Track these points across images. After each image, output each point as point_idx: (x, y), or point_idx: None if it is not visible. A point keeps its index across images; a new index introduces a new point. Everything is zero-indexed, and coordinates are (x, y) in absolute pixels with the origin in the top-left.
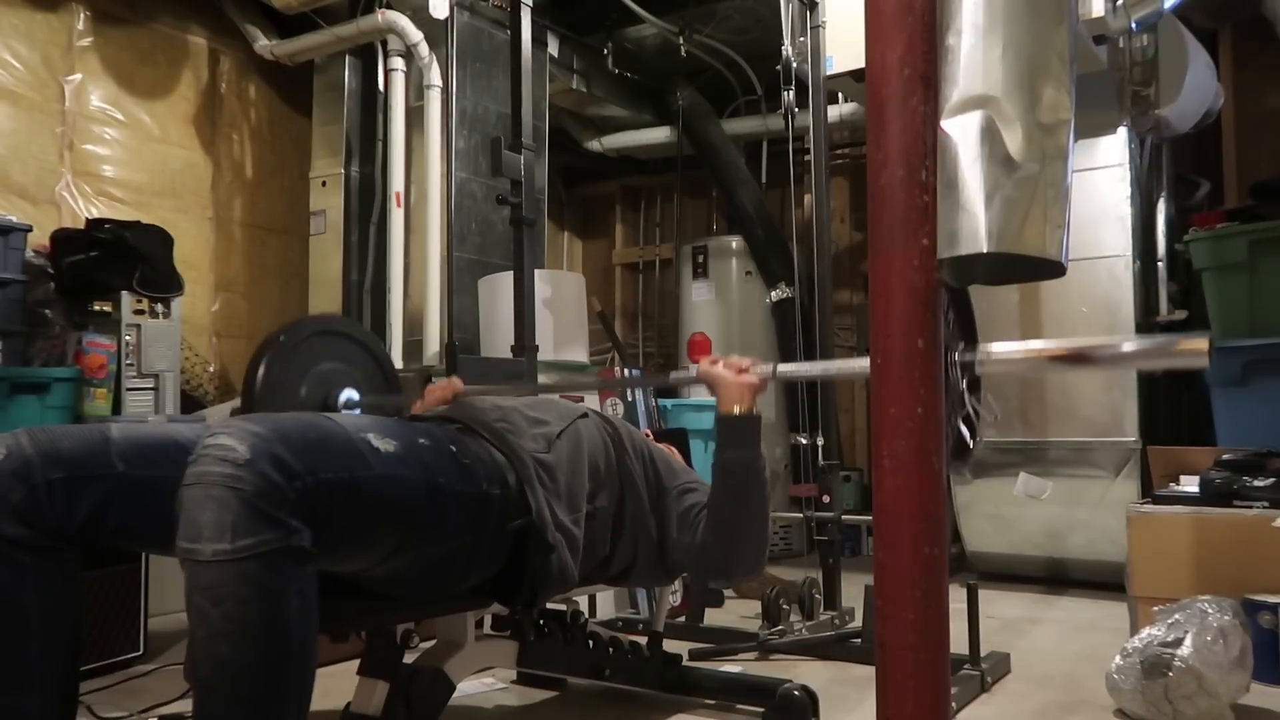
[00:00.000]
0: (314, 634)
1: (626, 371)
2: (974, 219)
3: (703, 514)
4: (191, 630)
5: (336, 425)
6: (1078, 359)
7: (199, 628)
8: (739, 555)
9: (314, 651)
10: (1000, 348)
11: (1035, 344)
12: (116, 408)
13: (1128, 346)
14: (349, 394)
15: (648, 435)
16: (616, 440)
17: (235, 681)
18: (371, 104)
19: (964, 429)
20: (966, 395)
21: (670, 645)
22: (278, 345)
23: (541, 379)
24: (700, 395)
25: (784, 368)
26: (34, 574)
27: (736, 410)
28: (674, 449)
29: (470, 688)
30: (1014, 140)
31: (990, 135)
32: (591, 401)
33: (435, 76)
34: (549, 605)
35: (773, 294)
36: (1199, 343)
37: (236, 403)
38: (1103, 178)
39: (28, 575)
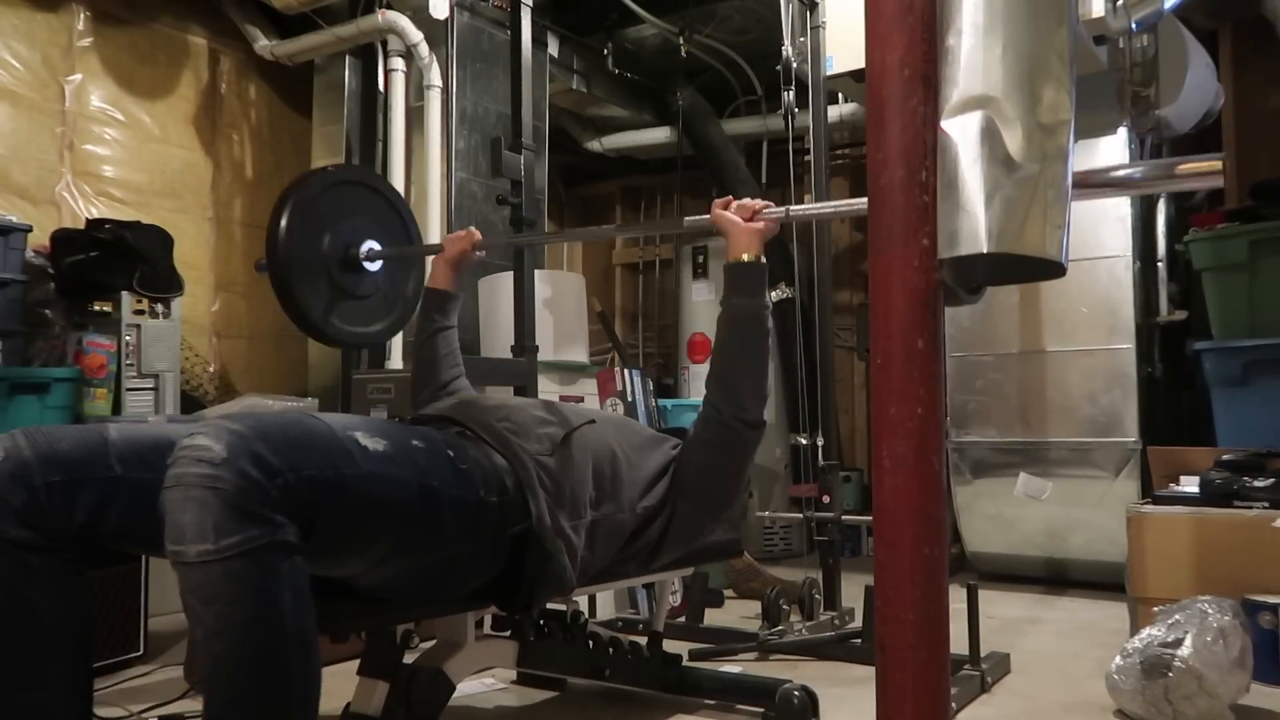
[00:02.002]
0: (311, 623)
1: (627, 372)
2: (974, 219)
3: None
4: (190, 630)
5: (321, 423)
6: (1085, 185)
7: (195, 628)
8: (741, 401)
9: (314, 641)
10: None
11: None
12: (116, 408)
13: (1139, 170)
14: (370, 244)
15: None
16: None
17: (235, 678)
18: (371, 104)
19: None
20: None
21: (670, 645)
22: (298, 195)
23: (542, 380)
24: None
25: (796, 209)
26: (42, 573)
27: (745, 257)
28: None
29: (470, 688)
30: (1014, 140)
31: (990, 135)
32: (591, 402)
33: (435, 77)
34: (549, 605)
35: (773, 294)
36: (1211, 164)
37: (238, 403)
38: None
39: (36, 575)
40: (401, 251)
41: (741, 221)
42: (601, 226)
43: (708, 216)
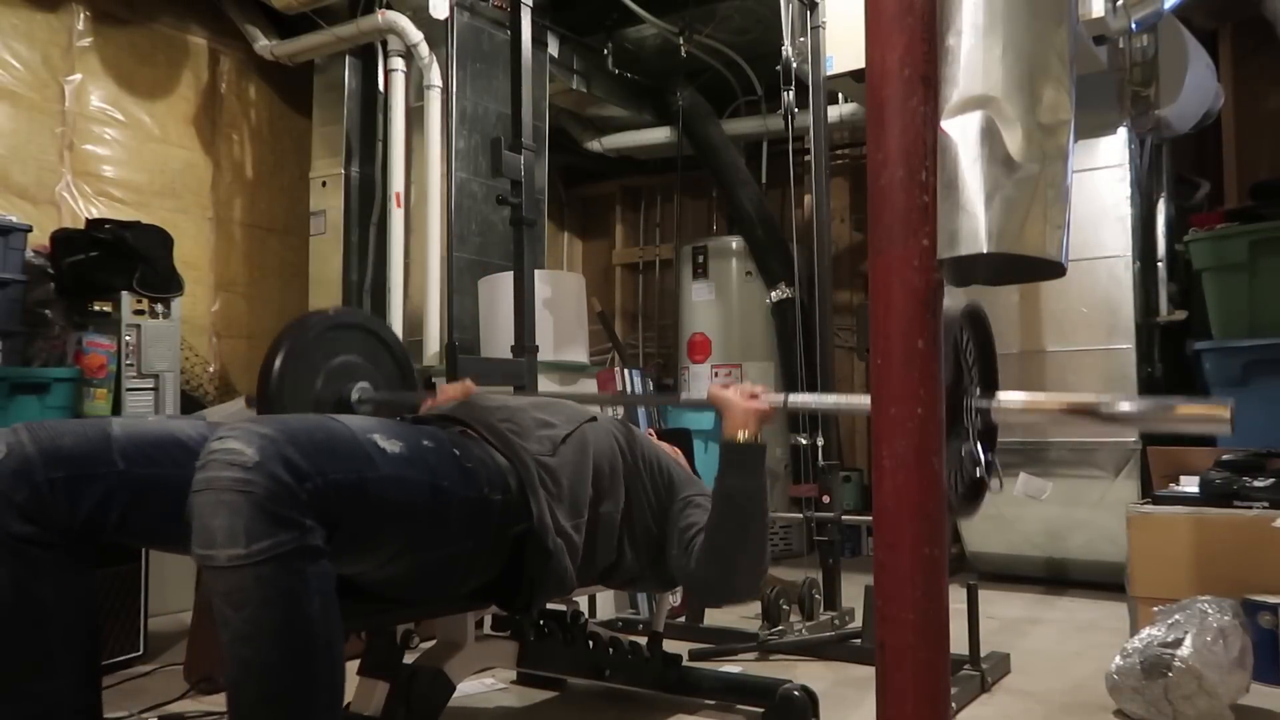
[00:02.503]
0: (338, 628)
1: (627, 372)
2: (974, 219)
3: (698, 537)
4: (218, 633)
5: (343, 426)
6: (1091, 414)
7: (223, 631)
8: (736, 582)
9: (340, 645)
10: (1015, 397)
11: (1051, 396)
12: (116, 408)
13: (1142, 406)
14: (363, 388)
15: (650, 434)
16: (626, 445)
17: (263, 682)
18: (371, 104)
19: (980, 472)
20: (981, 442)
21: (670, 645)
22: (294, 338)
23: (542, 380)
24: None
25: (795, 398)
26: (48, 567)
27: (741, 437)
28: (678, 450)
29: (470, 688)
30: (1014, 140)
31: (990, 135)
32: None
33: (435, 77)
34: (549, 606)
35: (773, 294)
36: (1220, 410)
37: (238, 403)
38: (1103, 178)
39: (42, 569)
40: (394, 397)
41: (738, 400)
42: (597, 394)
43: (703, 398)
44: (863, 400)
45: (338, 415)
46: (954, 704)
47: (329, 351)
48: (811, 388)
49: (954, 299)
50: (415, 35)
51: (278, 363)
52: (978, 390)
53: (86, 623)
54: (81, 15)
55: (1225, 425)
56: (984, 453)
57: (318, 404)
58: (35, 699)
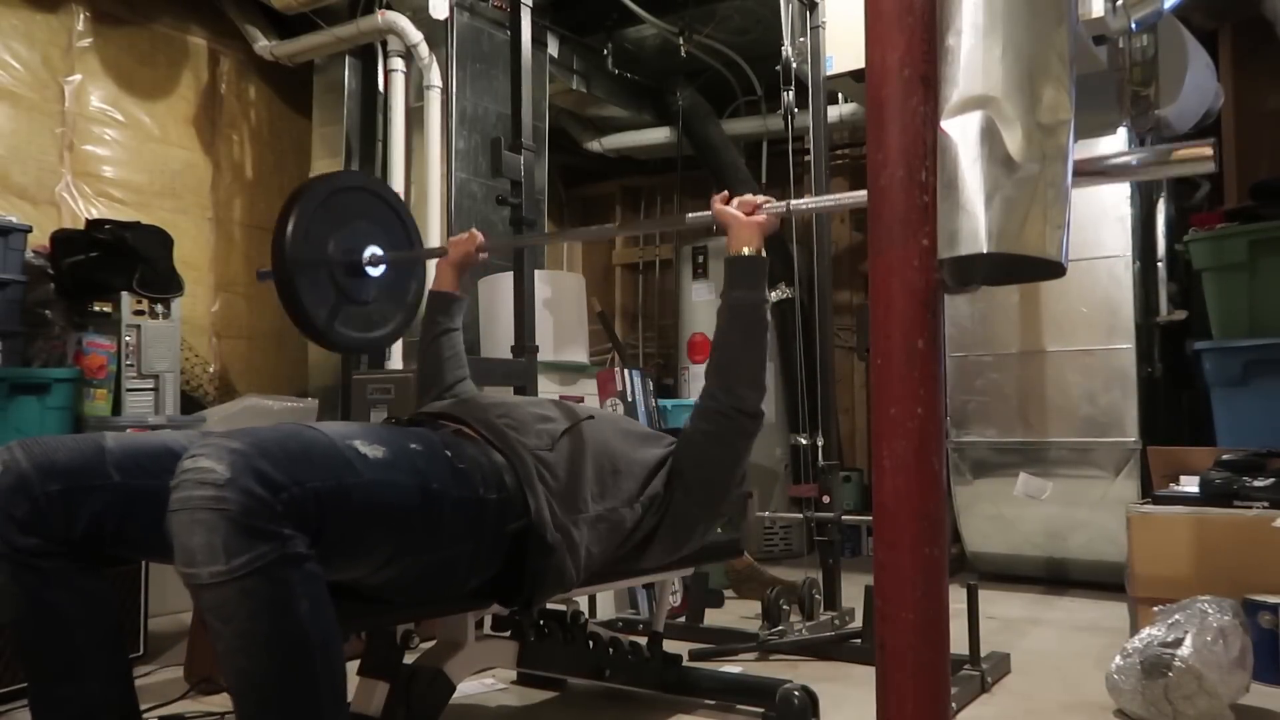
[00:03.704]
0: (332, 626)
1: (627, 372)
2: (974, 219)
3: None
4: (213, 645)
5: (320, 434)
6: (1080, 172)
7: (216, 643)
8: (738, 392)
9: (336, 643)
10: None
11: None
12: (116, 408)
13: (1134, 157)
14: (374, 249)
15: None
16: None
17: (261, 690)
18: (371, 104)
19: None
20: None
21: (670, 645)
22: (303, 203)
23: (542, 380)
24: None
25: (797, 202)
26: (58, 575)
27: (746, 250)
28: None
29: (470, 688)
30: (1014, 140)
31: (990, 135)
32: (591, 401)
33: (435, 77)
34: (549, 605)
35: (773, 294)
36: (1203, 149)
37: (238, 403)
38: None
39: (53, 577)
40: (405, 256)
41: (742, 216)
42: (603, 226)
43: (708, 213)
44: (859, 195)
45: (316, 424)
46: (954, 704)
47: (338, 214)
48: (811, 387)
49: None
50: (415, 35)
51: (289, 228)
52: None
53: (107, 623)
54: (81, 15)
55: (1210, 163)
56: None
57: (329, 267)
58: (70, 702)
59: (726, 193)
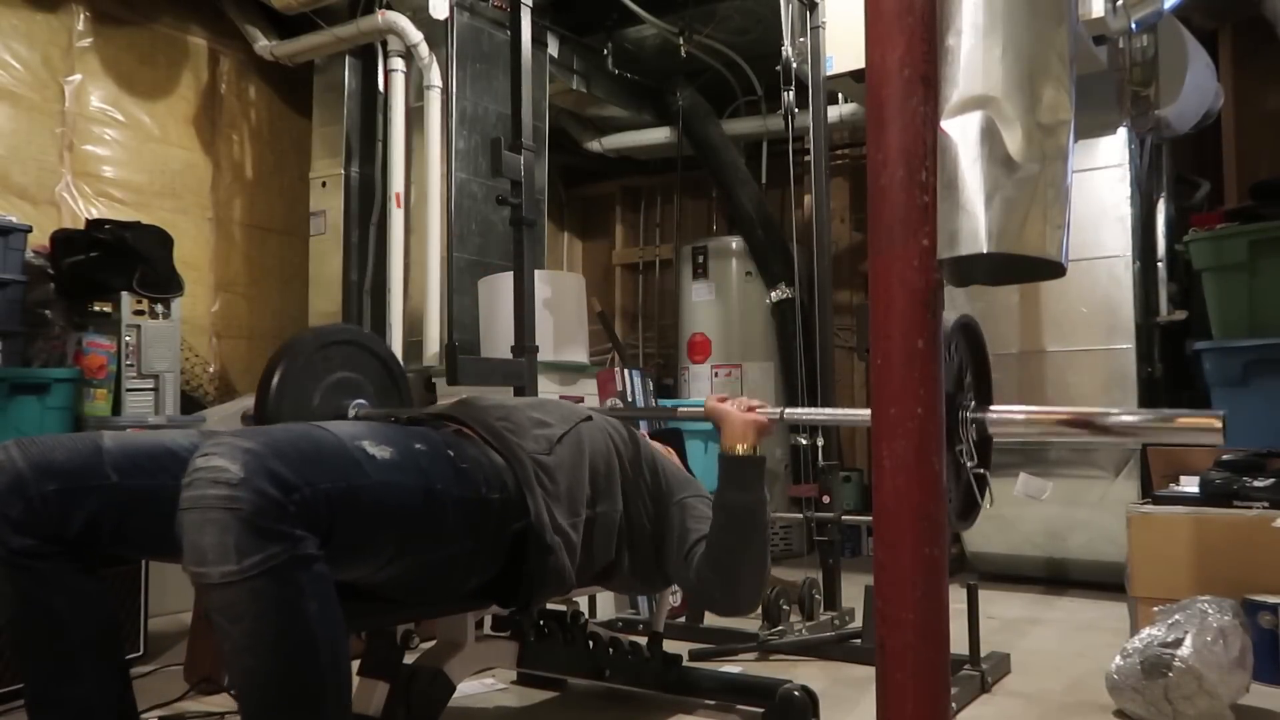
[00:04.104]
0: (339, 627)
1: (627, 372)
2: (974, 219)
3: (698, 547)
4: (218, 644)
5: (330, 434)
6: (1085, 426)
7: (224, 643)
8: (737, 594)
9: (343, 643)
10: (1009, 410)
11: (1046, 411)
12: (116, 408)
13: (1136, 418)
14: (360, 404)
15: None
16: (622, 445)
17: (269, 690)
18: (371, 104)
19: (974, 485)
20: (975, 453)
21: (670, 646)
22: (290, 356)
23: (542, 380)
24: (700, 397)
25: (792, 412)
26: (53, 576)
27: (740, 450)
28: (671, 450)
29: (470, 688)
30: (1014, 140)
31: (990, 136)
32: (591, 401)
33: (435, 77)
34: (549, 606)
35: (773, 294)
36: (1211, 420)
37: (238, 403)
38: (1103, 178)
39: (48, 579)
40: (391, 413)
41: (736, 413)
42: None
43: (700, 409)
44: (862, 414)
45: (325, 423)
46: (954, 704)
47: (325, 369)
48: (811, 388)
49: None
50: (415, 35)
51: (274, 383)
52: (972, 402)
53: (103, 625)
54: (81, 15)
55: (1218, 435)
56: (978, 466)
57: (315, 420)
58: (66, 703)
59: (725, 395)
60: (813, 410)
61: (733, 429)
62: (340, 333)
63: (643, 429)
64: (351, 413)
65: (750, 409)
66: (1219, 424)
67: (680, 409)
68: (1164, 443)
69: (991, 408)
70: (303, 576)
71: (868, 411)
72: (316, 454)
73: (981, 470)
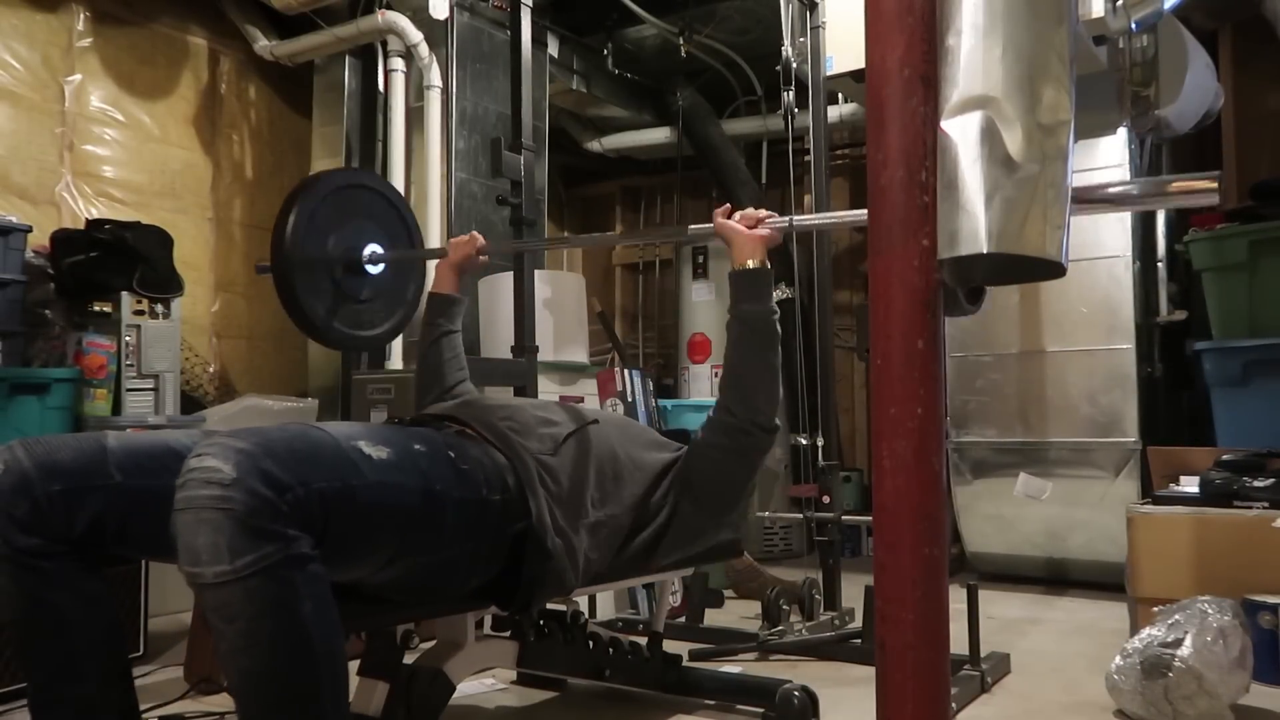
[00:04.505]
0: (335, 627)
1: (627, 372)
2: (974, 219)
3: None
4: (214, 644)
5: (326, 434)
6: (1084, 201)
7: (219, 643)
8: (754, 402)
9: (339, 643)
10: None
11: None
12: (116, 408)
13: (1134, 187)
14: (374, 247)
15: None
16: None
17: (265, 690)
18: (371, 104)
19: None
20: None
21: (670, 646)
22: (305, 198)
23: (542, 380)
24: (700, 397)
25: (800, 219)
26: (58, 576)
27: (751, 264)
28: None
29: (470, 688)
30: (1014, 141)
31: (990, 136)
32: (591, 402)
33: (435, 77)
34: (549, 606)
35: (775, 292)
36: (1207, 182)
37: (238, 403)
38: (1103, 178)
39: (52, 578)
40: (405, 255)
41: (745, 229)
42: (605, 234)
43: (710, 225)
44: (859, 214)
45: (322, 424)
46: (954, 704)
47: (339, 211)
48: (811, 387)
49: None
50: (415, 35)
51: (290, 223)
52: None
53: (106, 625)
54: (81, 15)
55: (1213, 195)
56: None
57: (328, 264)
58: (69, 703)
59: (728, 206)
60: (817, 216)
61: (743, 245)
62: (353, 176)
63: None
64: (366, 251)
65: (758, 221)
66: (1214, 184)
67: (690, 228)
68: (1160, 206)
69: None
70: (297, 576)
71: (863, 212)
72: (311, 454)
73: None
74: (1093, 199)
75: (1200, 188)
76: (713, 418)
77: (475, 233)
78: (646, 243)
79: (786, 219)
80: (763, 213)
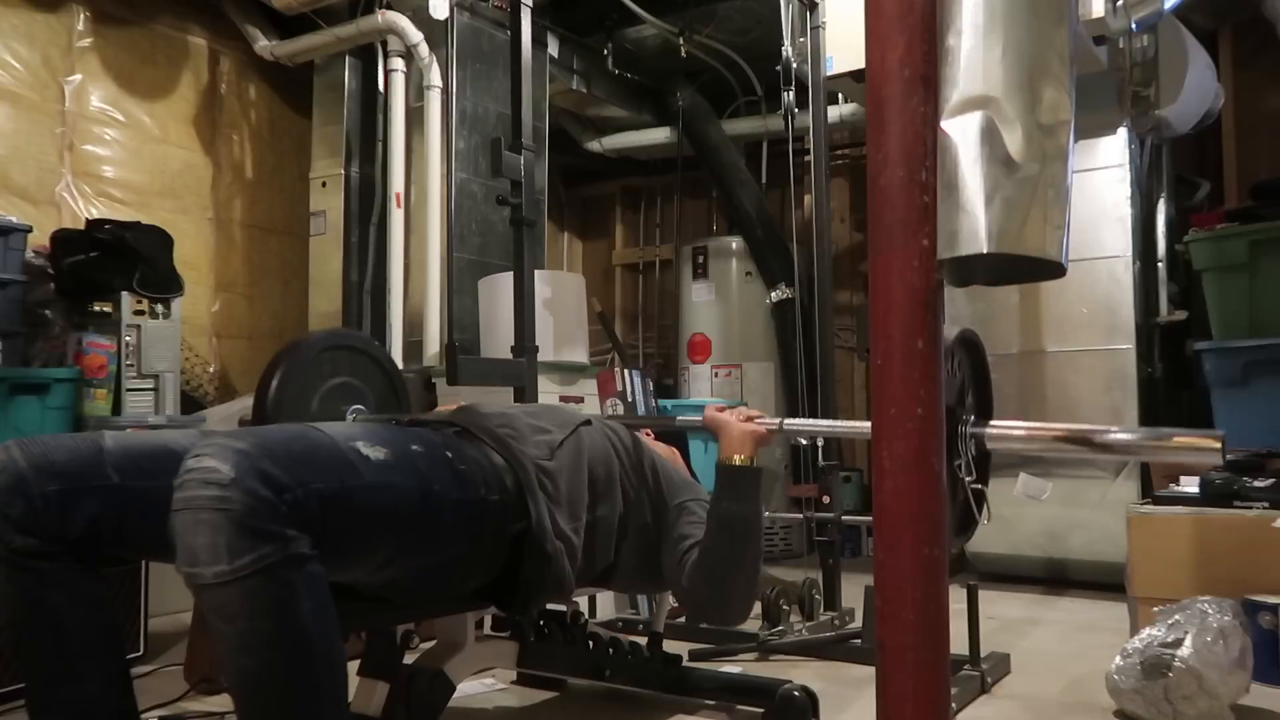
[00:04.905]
0: (334, 627)
1: (627, 372)
2: (974, 219)
3: (692, 553)
4: (215, 644)
5: (324, 435)
6: (1083, 443)
7: (219, 643)
8: (728, 603)
9: (338, 643)
10: (1009, 426)
11: (1045, 426)
12: (116, 408)
13: (1134, 437)
14: (358, 410)
15: (648, 435)
16: (622, 448)
17: (265, 690)
18: (371, 104)
19: (971, 500)
20: (974, 469)
21: (670, 645)
22: (290, 360)
23: (542, 380)
24: (700, 397)
25: (790, 423)
26: (55, 576)
27: (737, 460)
28: (675, 451)
29: (470, 688)
30: (1014, 141)
31: (990, 136)
32: (591, 402)
33: (435, 77)
34: (549, 606)
35: (773, 294)
36: (1210, 441)
37: (238, 403)
38: (1103, 178)
39: (49, 579)
40: (390, 416)
41: (734, 422)
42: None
43: (698, 419)
44: (862, 425)
45: (320, 424)
46: (954, 704)
47: (324, 374)
48: (811, 387)
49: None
50: (415, 35)
51: (273, 386)
52: (972, 417)
53: (104, 626)
54: (81, 15)
55: (1216, 455)
56: (976, 482)
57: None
58: (67, 704)
59: (722, 403)
60: (812, 421)
61: (730, 439)
62: (345, 338)
63: (645, 430)
64: (349, 418)
65: (749, 419)
66: (1217, 444)
67: (678, 419)
68: (1162, 460)
69: (991, 423)
70: (296, 576)
71: (868, 424)
72: (309, 454)
73: (979, 486)
74: (1092, 443)
75: (1203, 446)
76: (686, 584)
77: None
78: (633, 423)
79: (778, 421)
80: (754, 412)
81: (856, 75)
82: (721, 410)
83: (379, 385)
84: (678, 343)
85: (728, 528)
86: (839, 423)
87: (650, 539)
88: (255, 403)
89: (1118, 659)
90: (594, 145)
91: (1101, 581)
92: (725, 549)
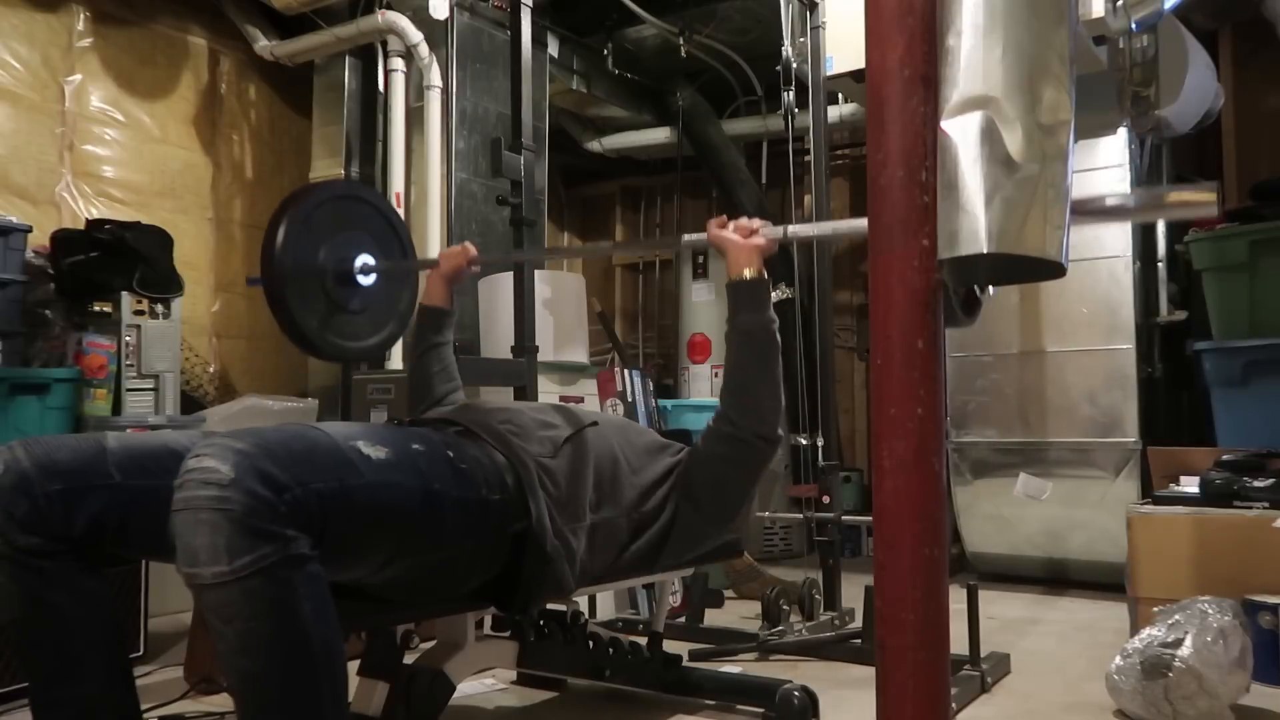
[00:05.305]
0: (334, 628)
1: (627, 372)
2: (974, 219)
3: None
4: (214, 645)
5: (324, 434)
6: (1084, 213)
7: (218, 643)
8: (758, 411)
9: (338, 645)
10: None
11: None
12: (116, 408)
13: (1127, 200)
14: (365, 258)
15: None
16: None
17: (264, 690)
18: (371, 104)
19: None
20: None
21: (670, 646)
22: (296, 209)
23: (542, 380)
24: (700, 397)
25: (794, 228)
26: (58, 575)
27: (747, 274)
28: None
29: (470, 688)
30: (1014, 141)
31: (990, 136)
32: (591, 402)
33: (435, 77)
34: (549, 606)
35: (773, 294)
36: (1205, 195)
37: (238, 403)
38: (1103, 178)
39: (52, 577)
40: (397, 266)
41: (739, 239)
42: (599, 244)
43: (704, 235)
44: (859, 222)
45: (320, 424)
46: (954, 704)
47: (330, 223)
48: (811, 387)
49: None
50: (415, 35)
51: (280, 234)
52: None
53: (106, 625)
54: (81, 15)
55: (1212, 207)
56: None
57: (320, 276)
58: (70, 703)
59: (724, 216)
60: (812, 225)
61: (738, 255)
62: (345, 188)
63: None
64: (358, 263)
65: (752, 231)
66: (1212, 196)
67: (684, 237)
68: (1156, 219)
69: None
70: (296, 576)
71: (864, 220)
72: (309, 454)
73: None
74: (1087, 211)
75: (1198, 199)
76: (713, 427)
77: (468, 244)
78: (640, 253)
79: (781, 228)
80: (756, 222)
81: (856, 75)
82: (724, 225)
83: (379, 229)
84: (678, 343)
85: (751, 337)
86: (840, 222)
87: (654, 538)
88: (262, 258)
89: (1118, 659)
90: (594, 145)
91: (1101, 581)
92: (749, 358)
